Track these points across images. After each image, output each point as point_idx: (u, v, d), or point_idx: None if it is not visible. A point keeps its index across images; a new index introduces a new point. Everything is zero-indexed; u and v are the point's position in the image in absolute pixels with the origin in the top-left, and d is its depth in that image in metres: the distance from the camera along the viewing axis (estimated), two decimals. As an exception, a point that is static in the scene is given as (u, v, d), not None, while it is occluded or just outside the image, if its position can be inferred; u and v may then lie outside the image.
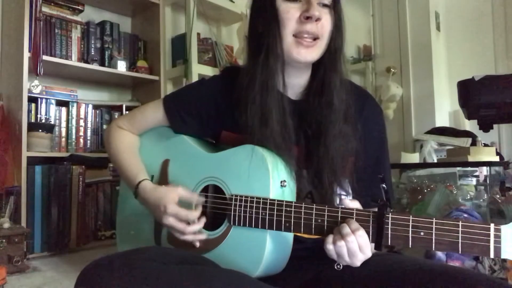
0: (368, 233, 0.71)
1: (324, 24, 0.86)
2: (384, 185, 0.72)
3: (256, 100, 0.87)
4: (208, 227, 0.89)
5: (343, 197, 0.87)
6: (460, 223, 0.63)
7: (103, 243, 2.04)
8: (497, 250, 0.61)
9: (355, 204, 0.76)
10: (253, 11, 0.94)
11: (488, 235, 0.61)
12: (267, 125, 0.86)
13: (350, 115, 0.89)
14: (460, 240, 0.63)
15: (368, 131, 0.93)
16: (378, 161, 0.95)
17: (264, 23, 0.88)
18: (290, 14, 0.85)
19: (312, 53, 0.86)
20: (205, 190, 0.93)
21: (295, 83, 0.93)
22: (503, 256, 0.60)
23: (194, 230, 0.86)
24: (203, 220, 0.88)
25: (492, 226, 0.62)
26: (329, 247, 0.71)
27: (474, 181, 2.37)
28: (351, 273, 0.77)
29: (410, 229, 0.67)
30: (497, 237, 0.61)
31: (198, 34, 2.57)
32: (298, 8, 0.85)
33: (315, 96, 0.90)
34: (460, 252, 0.62)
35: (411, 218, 0.67)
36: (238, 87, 0.91)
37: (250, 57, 0.92)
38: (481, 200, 1.95)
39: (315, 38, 0.86)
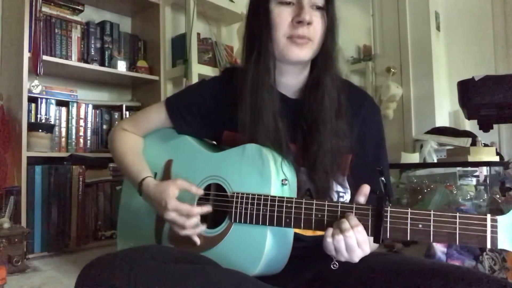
0: (367, 226, 0.71)
1: (316, 28, 0.87)
2: (383, 178, 0.72)
3: (250, 98, 0.89)
4: (210, 225, 0.90)
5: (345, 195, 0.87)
6: (458, 215, 0.64)
7: (103, 243, 2.03)
8: (494, 240, 0.62)
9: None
10: (249, 14, 0.96)
11: (485, 226, 0.62)
12: (261, 123, 0.88)
13: (342, 113, 0.91)
14: (457, 231, 0.64)
15: (366, 129, 0.95)
16: (376, 159, 0.96)
17: (258, 26, 0.90)
18: (282, 19, 0.86)
19: (305, 51, 0.88)
20: (208, 189, 0.94)
21: (293, 83, 0.95)
22: (499, 247, 0.61)
23: (195, 223, 0.87)
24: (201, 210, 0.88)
25: (488, 216, 0.62)
26: (328, 240, 0.72)
27: (474, 181, 2.38)
28: (351, 272, 0.77)
29: (409, 221, 0.68)
30: (494, 227, 0.62)
31: (198, 34, 2.57)
32: (290, 12, 0.86)
33: (310, 95, 0.92)
34: (457, 243, 0.63)
35: (409, 211, 0.68)
36: (235, 87, 0.92)
37: (245, 58, 0.94)
38: (481, 200, 1.95)
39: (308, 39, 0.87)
